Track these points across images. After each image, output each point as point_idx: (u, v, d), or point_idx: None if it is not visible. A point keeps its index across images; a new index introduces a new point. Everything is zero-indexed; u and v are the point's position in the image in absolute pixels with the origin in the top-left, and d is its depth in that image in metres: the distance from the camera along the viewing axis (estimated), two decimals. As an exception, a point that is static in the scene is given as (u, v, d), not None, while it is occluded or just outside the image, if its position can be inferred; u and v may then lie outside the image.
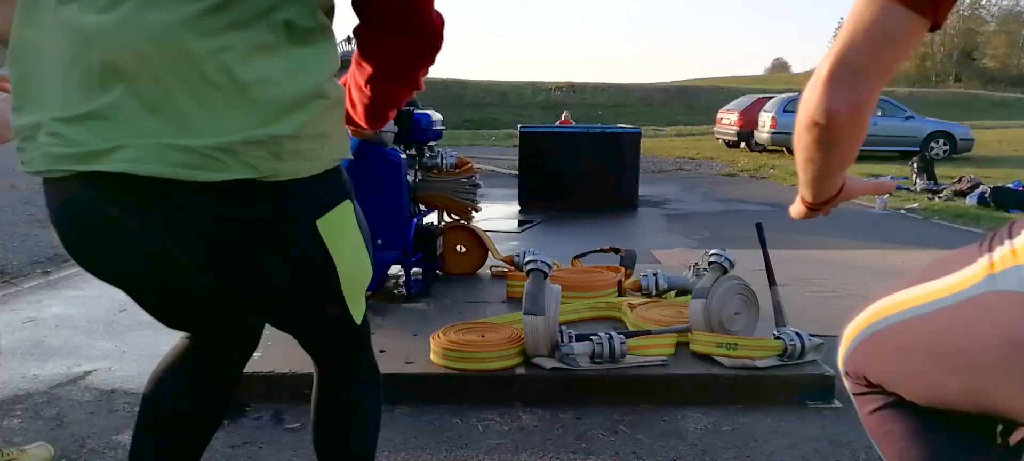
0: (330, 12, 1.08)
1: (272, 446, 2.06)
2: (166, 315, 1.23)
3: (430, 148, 3.69)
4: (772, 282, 2.58)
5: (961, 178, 9.16)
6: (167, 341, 1.30)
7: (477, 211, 4.00)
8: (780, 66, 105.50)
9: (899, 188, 9.78)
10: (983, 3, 59.00)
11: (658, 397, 2.32)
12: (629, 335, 2.50)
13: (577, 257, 3.65)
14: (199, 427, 1.32)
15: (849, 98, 0.93)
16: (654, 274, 3.15)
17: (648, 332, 2.56)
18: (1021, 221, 0.84)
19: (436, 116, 3.68)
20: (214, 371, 1.31)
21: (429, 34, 1.16)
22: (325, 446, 1.31)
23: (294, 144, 0.97)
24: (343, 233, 1.10)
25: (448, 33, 1.21)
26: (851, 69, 0.92)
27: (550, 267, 2.44)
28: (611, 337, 2.38)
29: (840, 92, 0.92)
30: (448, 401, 2.32)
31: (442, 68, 2.31)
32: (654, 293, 3.11)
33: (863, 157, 14.79)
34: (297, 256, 1.05)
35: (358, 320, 1.21)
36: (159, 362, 1.31)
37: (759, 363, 2.37)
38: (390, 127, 3.25)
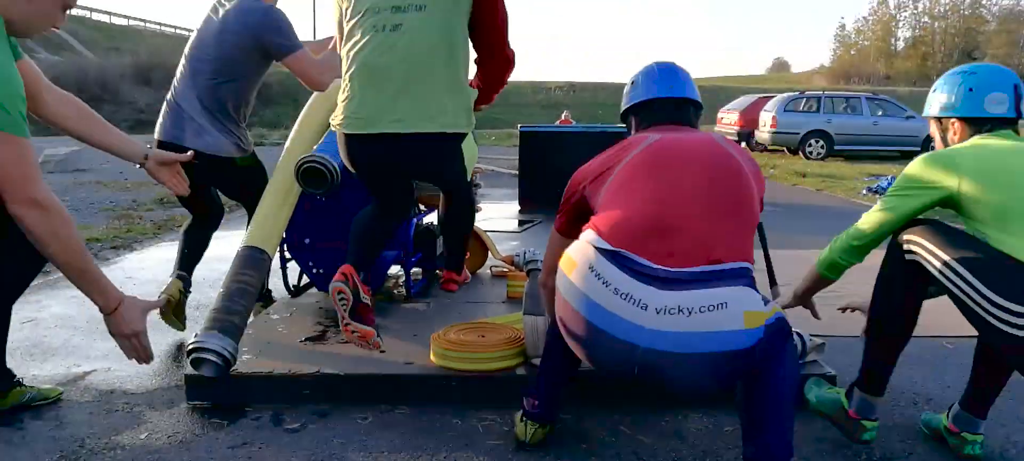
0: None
1: (272, 446, 2.06)
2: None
3: (430, 148, 3.70)
4: (773, 282, 2.57)
5: (962, 178, 9.12)
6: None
7: (477, 211, 3.98)
8: (780, 66, 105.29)
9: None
10: (983, 3, 58.95)
11: (659, 398, 2.32)
12: (630, 335, 2.49)
13: (577, 257, 3.64)
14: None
15: (552, 280, 1.88)
16: (655, 274, 3.14)
17: (649, 332, 2.54)
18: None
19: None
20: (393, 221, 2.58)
21: (507, 62, 2.52)
22: (446, 223, 2.80)
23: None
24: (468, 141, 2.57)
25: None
26: (551, 267, 1.96)
27: (550, 267, 2.44)
28: (612, 337, 2.37)
29: (550, 276, 2.00)
30: (448, 401, 2.31)
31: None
32: (655, 293, 3.10)
33: (865, 157, 14.80)
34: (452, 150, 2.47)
35: (466, 179, 2.63)
36: (361, 220, 2.53)
37: (760, 363, 2.37)
38: None
